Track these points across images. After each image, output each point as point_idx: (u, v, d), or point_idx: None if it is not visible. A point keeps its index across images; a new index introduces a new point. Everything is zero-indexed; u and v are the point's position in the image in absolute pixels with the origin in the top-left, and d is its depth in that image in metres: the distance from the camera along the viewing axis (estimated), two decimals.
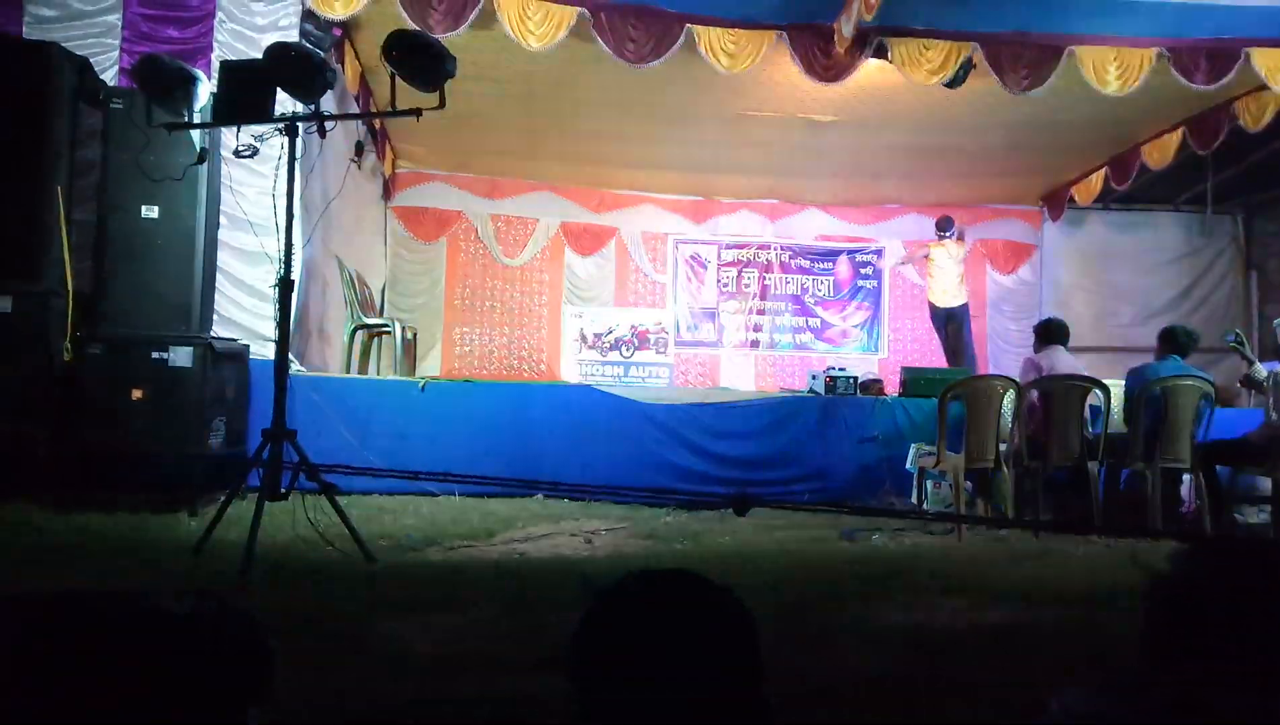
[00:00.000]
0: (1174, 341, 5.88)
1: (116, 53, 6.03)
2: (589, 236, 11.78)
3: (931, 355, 11.92)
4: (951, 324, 9.84)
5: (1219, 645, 1.09)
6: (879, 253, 12.13)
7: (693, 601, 0.99)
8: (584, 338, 11.11)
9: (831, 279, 12.14)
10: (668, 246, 12.02)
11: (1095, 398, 5.84)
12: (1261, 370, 6.01)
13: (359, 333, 7.60)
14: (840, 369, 7.46)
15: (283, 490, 3.76)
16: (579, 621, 0.98)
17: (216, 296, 5.96)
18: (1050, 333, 6.17)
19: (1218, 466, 5.79)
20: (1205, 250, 11.64)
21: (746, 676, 0.96)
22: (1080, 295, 11.42)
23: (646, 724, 0.93)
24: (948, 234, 9.83)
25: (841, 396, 6.85)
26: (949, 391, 5.88)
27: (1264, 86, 7.30)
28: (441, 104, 3.81)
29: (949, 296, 9.85)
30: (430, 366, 10.95)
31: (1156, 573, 1.16)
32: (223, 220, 5.95)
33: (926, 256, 10.10)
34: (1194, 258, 11.64)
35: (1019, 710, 2.24)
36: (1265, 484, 5.85)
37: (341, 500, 3.88)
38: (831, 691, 2.40)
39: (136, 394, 4.94)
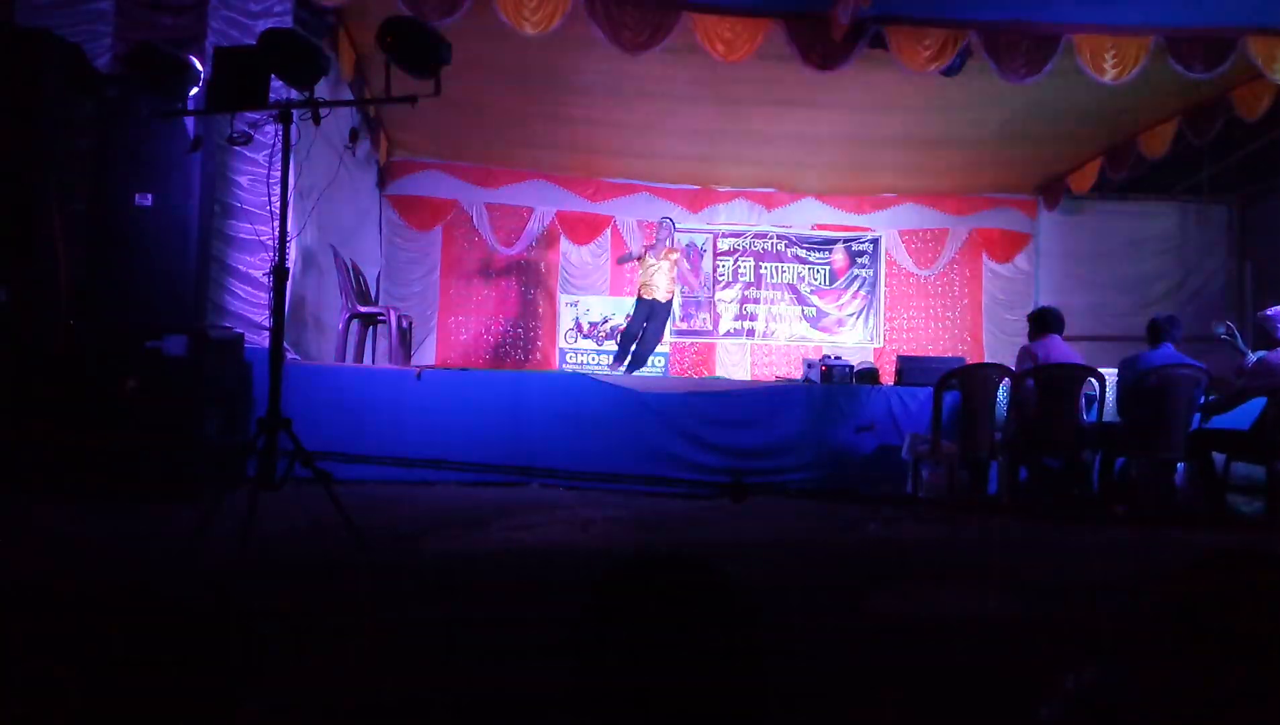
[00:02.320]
0: (1162, 330, 5.90)
1: (109, 40, 5.99)
2: (584, 225, 11.77)
3: (928, 344, 11.96)
4: (654, 321, 9.13)
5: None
6: (875, 242, 12.14)
7: (694, 588, 0.98)
8: (580, 327, 11.11)
9: (828, 268, 12.15)
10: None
11: (1090, 386, 5.86)
12: (1252, 359, 6.03)
13: (354, 321, 7.59)
14: (836, 358, 7.47)
15: (278, 479, 3.75)
16: (581, 608, 0.98)
17: (211, 285, 5.95)
18: (1045, 321, 6.18)
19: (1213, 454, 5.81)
20: (1200, 239, 11.67)
21: (747, 660, 0.96)
22: (1075, 284, 11.45)
23: (648, 709, 0.93)
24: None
25: (837, 385, 6.86)
26: (945, 380, 5.89)
27: (1260, 75, 7.30)
28: (437, 91, 3.79)
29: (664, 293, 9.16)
30: (426, 355, 10.95)
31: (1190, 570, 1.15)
32: (217, 208, 5.94)
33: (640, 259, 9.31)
34: (1189, 247, 11.67)
35: (1014, 699, 2.24)
36: (1260, 473, 5.87)
37: (337, 489, 3.87)
38: (825, 679, 2.40)
39: (131, 384, 4.92)
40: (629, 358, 9.01)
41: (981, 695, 2.33)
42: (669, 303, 9.24)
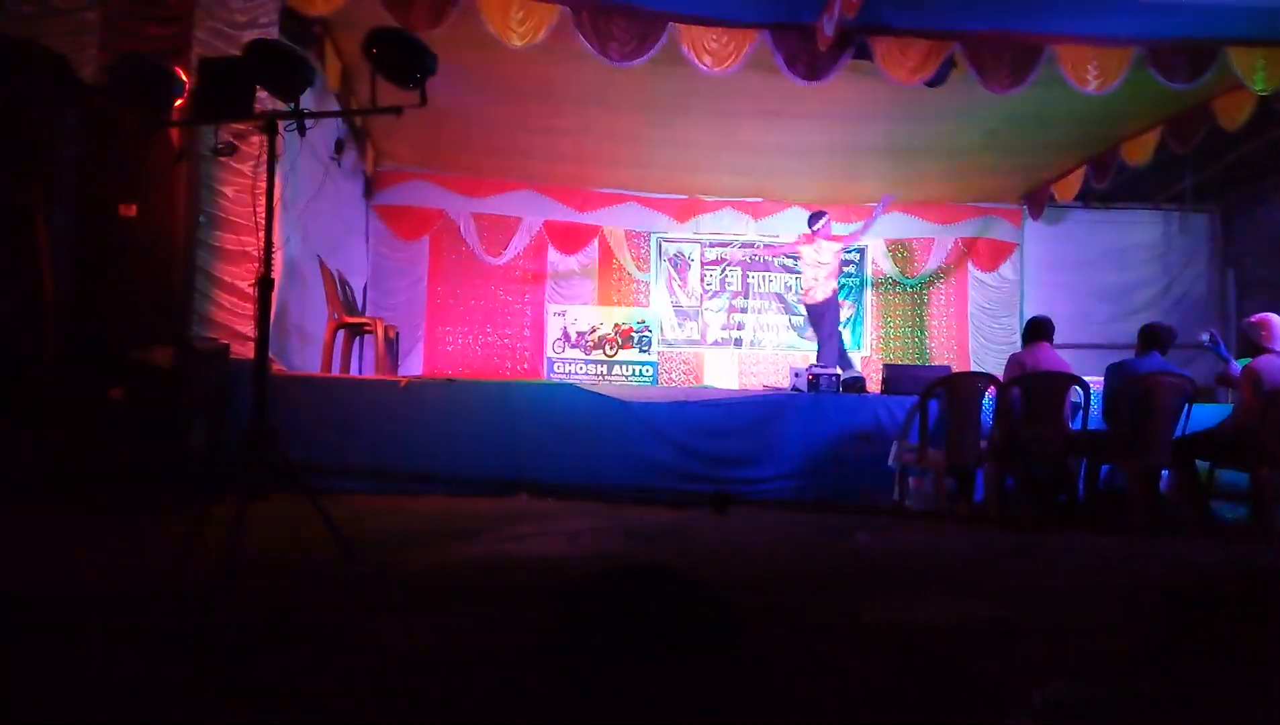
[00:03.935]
0: (1154, 339, 5.93)
1: (94, 50, 5.96)
2: (572, 235, 11.78)
3: (914, 353, 12.00)
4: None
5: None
6: (861, 251, 12.18)
7: (666, 597, 0.99)
8: (567, 336, 11.11)
9: None
10: (651, 245, 12.04)
11: (1075, 394, 5.89)
12: (1236, 367, 6.08)
13: (340, 331, 7.57)
14: (823, 367, 7.48)
15: (264, 491, 3.74)
16: (555, 619, 0.98)
17: (196, 296, 5.92)
18: (1034, 330, 6.21)
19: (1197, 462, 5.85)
20: (1184, 248, 11.78)
21: (720, 666, 0.97)
22: (1060, 293, 11.52)
23: (623, 716, 0.93)
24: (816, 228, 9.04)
25: (824, 394, 6.87)
26: (931, 389, 5.91)
27: (1241, 85, 7.38)
28: (423, 101, 3.79)
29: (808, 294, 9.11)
30: (413, 365, 10.93)
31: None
32: (202, 219, 5.91)
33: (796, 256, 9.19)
34: (1173, 255, 11.78)
35: (1001, 705, 2.25)
36: (1244, 479, 5.91)
37: (323, 500, 3.86)
38: (812, 688, 2.40)
39: (116, 395, 4.89)
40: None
41: (966, 702, 2.34)
42: (826, 301, 8.90)
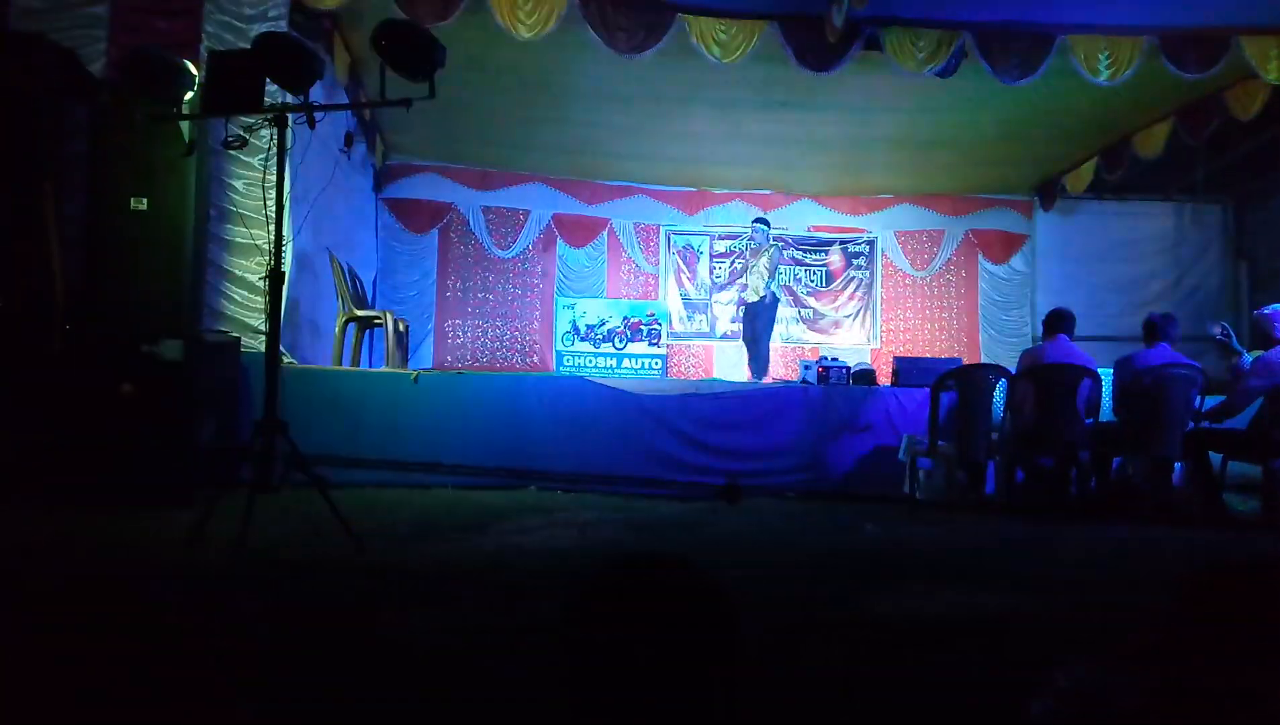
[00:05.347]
0: (1158, 329, 5.88)
1: (104, 44, 5.98)
2: (581, 228, 11.77)
3: (924, 345, 11.96)
4: (755, 322, 9.48)
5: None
6: (871, 243, 12.16)
7: (670, 588, 0.99)
8: (577, 329, 11.10)
9: (824, 269, 12.15)
10: (660, 237, 12.03)
11: (1087, 386, 5.86)
12: (1248, 359, 6.04)
13: (350, 325, 7.58)
14: (833, 359, 7.47)
15: (274, 483, 3.74)
16: (561, 610, 0.98)
17: (206, 289, 5.94)
18: (1051, 322, 6.16)
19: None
20: (1196, 239, 11.71)
21: (725, 657, 0.96)
22: (1071, 285, 11.47)
23: (628, 708, 0.93)
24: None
25: (834, 387, 6.86)
26: (941, 381, 5.90)
27: (1253, 75, 7.32)
28: (431, 94, 3.79)
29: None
30: (423, 358, 10.95)
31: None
32: (212, 212, 5.93)
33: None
34: (1185, 247, 11.71)
35: (1011, 699, 2.24)
36: (1257, 471, 5.88)
37: (334, 493, 3.87)
38: (822, 680, 2.40)
39: (126, 388, 4.91)
40: (755, 363, 9.29)
41: (978, 693, 2.33)
42: (763, 300, 9.30)
